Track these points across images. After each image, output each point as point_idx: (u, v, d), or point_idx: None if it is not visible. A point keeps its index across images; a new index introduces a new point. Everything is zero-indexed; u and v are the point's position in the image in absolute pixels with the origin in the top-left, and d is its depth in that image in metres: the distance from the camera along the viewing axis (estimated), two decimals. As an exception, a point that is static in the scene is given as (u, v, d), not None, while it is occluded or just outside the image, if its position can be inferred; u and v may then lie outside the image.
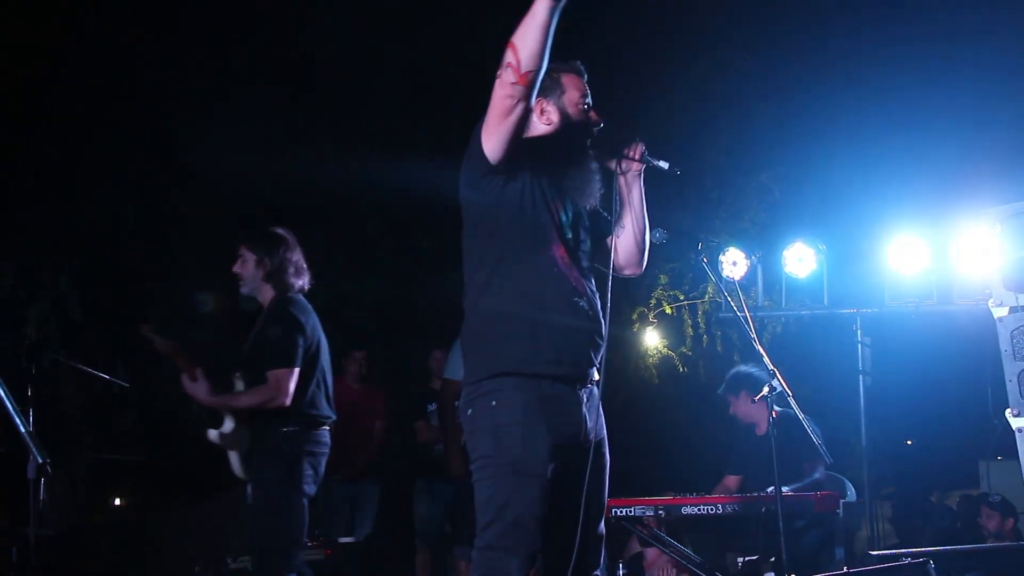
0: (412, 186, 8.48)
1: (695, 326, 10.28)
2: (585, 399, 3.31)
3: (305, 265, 5.18)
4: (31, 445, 4.08)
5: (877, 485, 8.40)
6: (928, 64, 8.70)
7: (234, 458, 5.09)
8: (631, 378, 10.86)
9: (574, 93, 3.41)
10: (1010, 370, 5.75)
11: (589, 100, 3.44)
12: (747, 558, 6.07)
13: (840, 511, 5.85)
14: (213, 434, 5.10)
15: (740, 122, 9.82)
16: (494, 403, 3.19)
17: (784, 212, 9.78)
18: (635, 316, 10.41)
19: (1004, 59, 8.28)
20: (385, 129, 9.76)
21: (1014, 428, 5.69)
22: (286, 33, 8.96)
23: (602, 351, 3.38)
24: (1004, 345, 5.77)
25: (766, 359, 5.13)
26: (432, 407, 7.55)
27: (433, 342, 7.84)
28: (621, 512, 5.96)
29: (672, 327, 10.43)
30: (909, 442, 12.73)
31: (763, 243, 8.52)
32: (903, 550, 6.08)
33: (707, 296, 9.80)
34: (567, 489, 3.21)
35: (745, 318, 5.16)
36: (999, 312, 5.78)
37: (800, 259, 7.97)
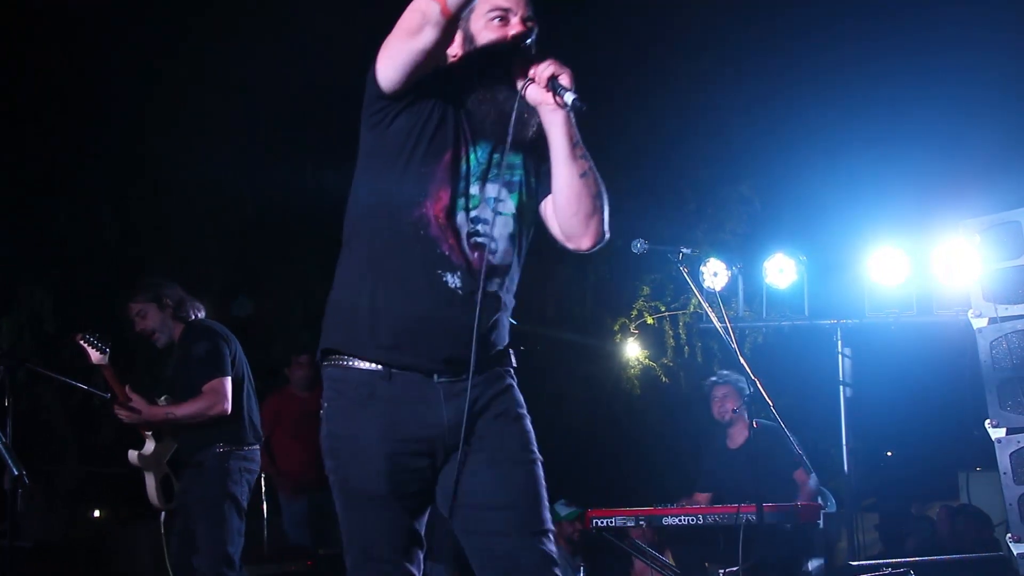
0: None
1: (676, 337, 10.32)
2: (450, 390, 2.58)
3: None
4: (7, 457, 4.06)
5: (858, 496, 8.42)
6: (909, 77, 8.76)
7: (150, 482, 5.10)
8: (613, 389, 10.88)
9: (483, 5, 2.63)
10: (989, 381, 5.78)
11: (505, 9, 2.63)
12: (728, 569, 6.07)
13: (821, 522, 5.85)
14: (133, 455, 5.10)
15: (721, 132, 9.86)
16: (326, 405, 2.67)
17: (765, 223, 9.82)
18: (617, 327, 10.43)
19: (983, 72, 8.34)
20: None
21: (993, 439, 5.72)
22: (265, 46, 8.93)
23: (494, 337, 2.66)
24: (983, 356, 5.80)
25: (747, 370, 5.14)
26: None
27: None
28: (603, 522, 5.95)
29: (654, 338, 10.45)
30: (889, 453, 12.76)
31: (744, 254, 8.57)
32: (883, 561, 6.10)
33: (689, 307, 9.83)
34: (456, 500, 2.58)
35: (726, 329, 5.17)
36: (978, 323, 5.82)
37: (781, 270, 8.00)
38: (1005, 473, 5.66)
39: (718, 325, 5.23)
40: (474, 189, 2.61)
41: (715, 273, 7.82)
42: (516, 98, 2.57)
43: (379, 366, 2.57)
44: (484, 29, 2.62)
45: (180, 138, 8.78)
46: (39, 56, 8.36)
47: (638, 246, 5.31)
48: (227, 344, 5.04)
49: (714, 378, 6.85)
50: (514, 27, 2.61)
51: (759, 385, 5.18)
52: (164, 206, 9.37)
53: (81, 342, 5.08)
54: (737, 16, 8.90)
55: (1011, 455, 5.67)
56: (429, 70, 2.52)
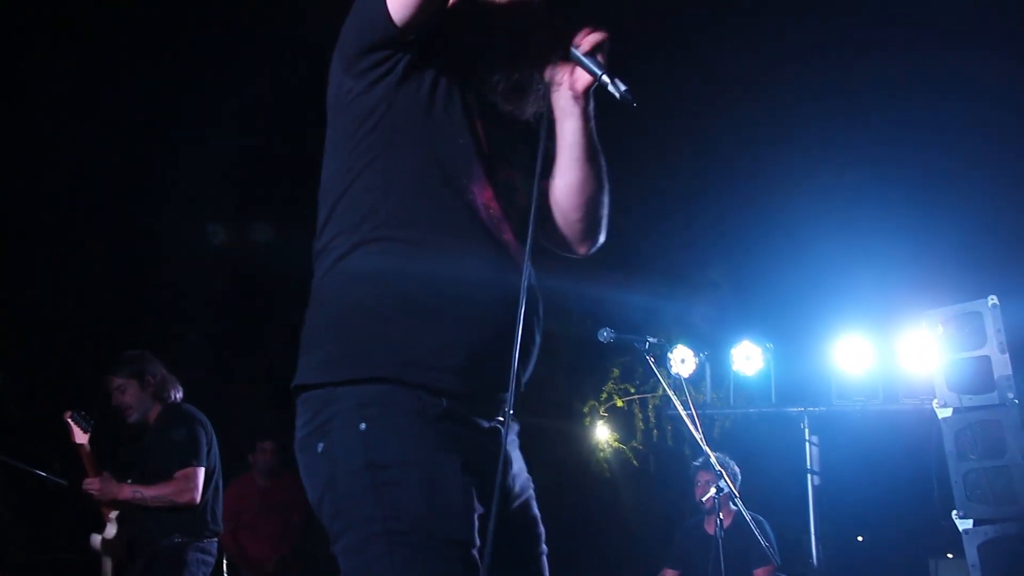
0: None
1: (645, 420, 10.29)
2: (502, 431, 2.03)
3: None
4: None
5: (827, 584, 8.35)
6: (874, 170, 8.92)
7: (107, 568, 4.98)
8: (582, 472, 10.80)
9: None
10: (955, 471, 5.79)
11: None
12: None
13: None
14: (96, 539, 4.98)
15: (691, 218, 9.95)
16: (364, 427, 1.89)
17: (732, 310, 9.89)
18: (587, 410, 10.39)
19: (948, 166, 8.50)
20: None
21: (960, 529, 5.71)
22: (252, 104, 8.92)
23: (532, 364, 2.12)
24: (949, 445, 5.82)
25: (712, 460, 5.13)
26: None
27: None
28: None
29: (623, 421, 10.42)
30: (860, 538, 12.71)
31: (711, 341, 8.60)
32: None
33: (659, 390, 9.82)
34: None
35: (692, 416, 5.15)
36: (943, 413, 5.84)
37: (748, 357, 8.05)
38: (973, 565, 5.64)
39: (683, 413, 5.21)
40: (506, 174, 2.11)
41: (683, 360, 7.85)
42: (533, 74, 2.11)
43: (444, 394, 1.93)
44: None
45: (155, 211, 8.74)
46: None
47: (604, 335, 5.32)
48: (205, 432, 4.96)
49: (697, 463, 6.80)
50: None
51: (725, 476, 5.16)
52: (131, 284, 9.31)
53: (69, 420, 4.98)
54: (705, 106, 9.05)
55: (979, 547, 5.66)
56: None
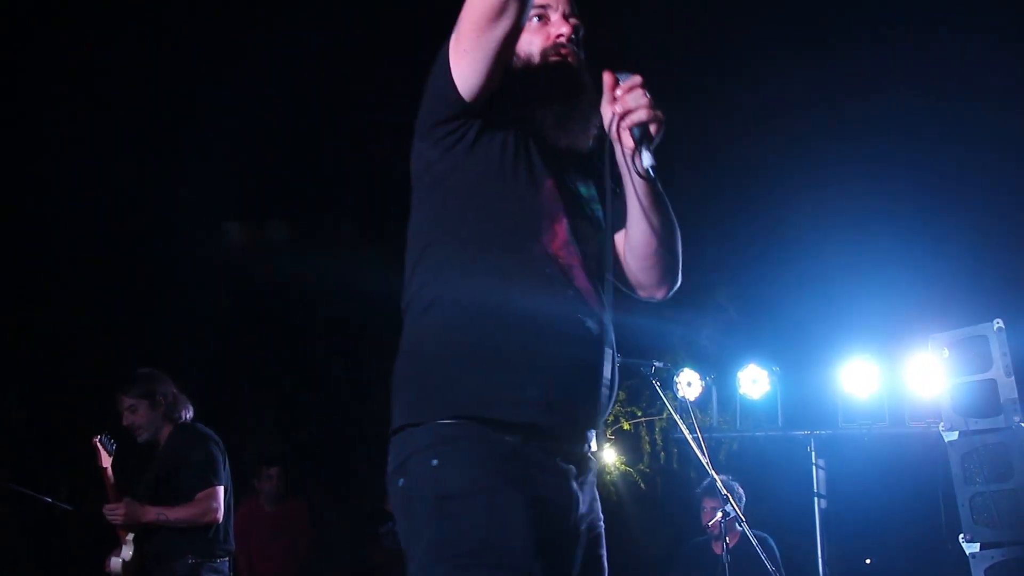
0: (364, 307, 8.47)
1: (652, 443, 10.27)
2: (575, 472, 2.19)
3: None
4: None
5: (835, 607, 8.32)
6: (881, 190, 8.92)
7: None
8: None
9: (555, 16, 2.34)
10: (962, 494, 5.78)
11: (542, 6, 2.34)
12: None
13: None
14: (116, 563, 4.98)
15: (696, 242, 9.96)
16: (436, 462, 2.06)
17: (738, 333, 9.89)
18: (593, 432, 10.38)
19: (954, 188, 8.51)
20: (345, 244, 9.79)
21: (967, 553, 5.70)
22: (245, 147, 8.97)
23: (611, 405, 2.26)
24: (955, 469, 5.81)
25: (719, 484, 5.14)
26: (384, 528, 7.42)
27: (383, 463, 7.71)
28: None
29: (630, 444, 10.41)
30: (868, 561, 12.67)
31: (718, 364, 8.60)
32: None
33: (664, 413, 9.82)
34: None
35: (698, 440, 5.16)
36: (949, 436, 5.84)
37: (754, 381, 8.06)
38: (981, 590, 5.63)
39: (689, 437, 5.22)
40: (579, 223, 2.27)
41: (689, 383, 7.86)
42: (584, 108, 2.28)
43: (518, 429, 2.08)
44: (524, 32, 2.25)
45: (164, 233, 8.76)
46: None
47: (612, 359, 5.33)
48: (219, 451, 4.98)
49: (699, 489, 6.79)
50: (556, 25, 2.31)
51: (732, 500, 5.17)
52: (138, 309, 9.34)
53: (97, 443, 4.98)
54: (711, 129, 9.08)
55: (986, 570, 5.65)
56: (507, 62, 2.18)
